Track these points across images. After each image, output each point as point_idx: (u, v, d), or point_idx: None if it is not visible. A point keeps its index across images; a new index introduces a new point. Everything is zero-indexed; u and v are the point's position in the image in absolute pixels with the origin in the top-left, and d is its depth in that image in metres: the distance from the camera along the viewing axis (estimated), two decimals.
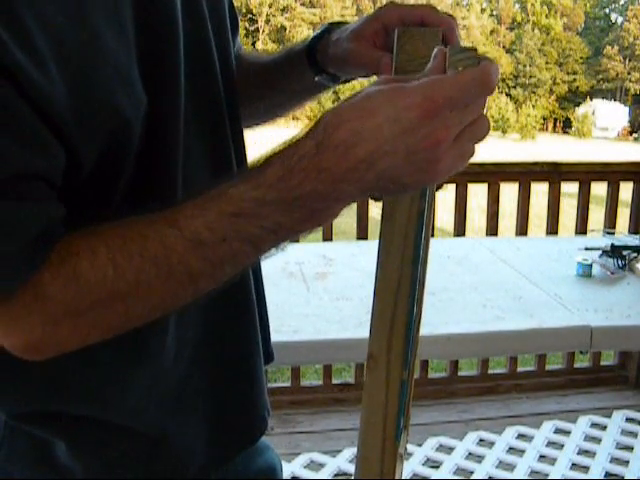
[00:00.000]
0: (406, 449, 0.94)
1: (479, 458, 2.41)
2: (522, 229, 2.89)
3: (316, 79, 0.76)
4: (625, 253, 1.87)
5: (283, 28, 39.89)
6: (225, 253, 0.52)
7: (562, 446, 2.48)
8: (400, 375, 0.54)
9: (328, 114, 0.49)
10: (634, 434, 2.55)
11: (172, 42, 0.61)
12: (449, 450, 2.46)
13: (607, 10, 52.94)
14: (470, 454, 2.44)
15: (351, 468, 2.30)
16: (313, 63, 0.75)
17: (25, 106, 0.47)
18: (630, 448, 2.47)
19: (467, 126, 0.50)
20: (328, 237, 2.71)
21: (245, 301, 0.77)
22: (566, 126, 42.43)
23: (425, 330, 1.42)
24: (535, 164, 3.05)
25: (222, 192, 0.51)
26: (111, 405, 0.67)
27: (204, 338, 0.72)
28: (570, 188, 3.02)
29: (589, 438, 2.54)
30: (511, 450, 2.47)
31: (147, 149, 0.58)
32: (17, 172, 0.48)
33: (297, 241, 0.74)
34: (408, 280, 0.55)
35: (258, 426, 0.81)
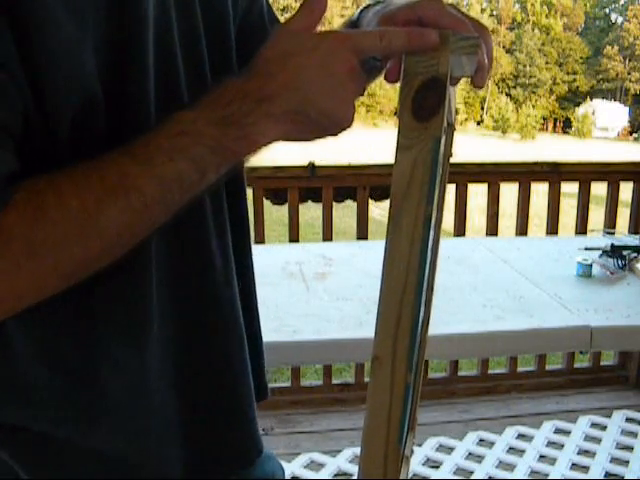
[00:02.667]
0: (412, 451, 0.94)
1: (479, 458, 2.41)
2: (522, 229, 2.89)
3: None
4: (625, 253, 1.87)
5: None
6: (173, 173, 0.55)
7: (562, 446, 2.48)
8: (405, 378, 0.54)
9: (258, 54, 0.56)
10: (634, 434, 2.56)
11: (140, 32, 0.61)
12: (449, 450, 2.46)
13: (607, 10, 52.93)
14: (470, 454, 2.44)
15: (351, 468, 2.30)
16: None
17: None
18: (630, 448, 2.47)
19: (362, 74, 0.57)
20: (328, 237, 2.71)
21: (230, 319, 0.75)
22: (566, 126, 42.45)
23: None
24: (535, 164, 3.05)
25: (169, 118, 0.56)
26: (79, 422, 0.65)
27: (185, 360, 0.70)
28: (570, 188, 3.02)
29: (589, 438, 2.54)
30: (511, 450, 2.47)
31: (117, 131, 0.59)
32: None
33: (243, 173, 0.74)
34: (414, 285, 0.55)
35: (252, 445, 0.78)
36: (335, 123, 0.57)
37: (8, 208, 0.50)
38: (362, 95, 0.60)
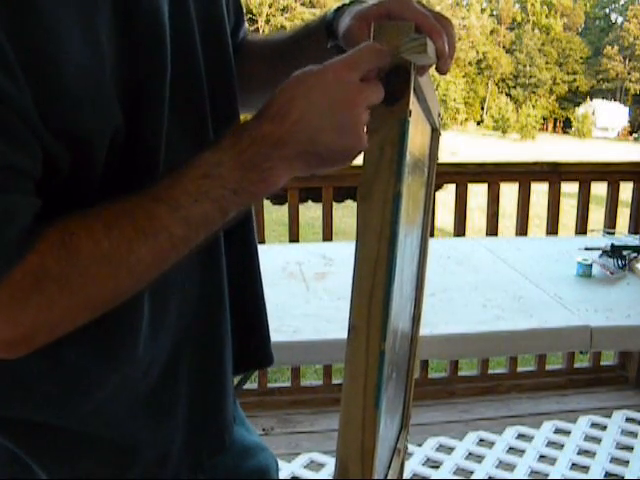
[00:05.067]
0: (406, 448, 0.95)
1: (479, 458, 2.41)
2: (522, 229, 2.89)
3: (329, 46, 0.79)
4: (625, 253, 1.87)
5: (283, 28, 39.89)
6: (198, 215, 0.58)
7: (562, 446, 2.48)
8: (379, 346, 0.57)
9: (268, 99, 0.60)
10: (634, 434, 2.56)
11: (158, 48, 0.63)
12: (449, 450, 2.46)
13: (607, 10, 52.95)
14: (470, 454, 2.44)
15: None
16: (330, 33, 0.79)
17: (3, 109, 0.51)
18: (630, 448, 2.47)
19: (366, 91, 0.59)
20: (328, 237, 2.71)
21: (219, 305, 0.79)
22: (566, 126, 42.47)
23: (425, 330, 1.42)
24: (535, 164, 3.05)
25: (191, 160, 0.59)
26: (78, 412, 0.67)
27: (179, 341, 0.73)
28: (570, 188, 3.02)
29: (589, 438, 2.54)
30: (511, 450, 2.47)
31: (131, 150, 0.63)
32: (2, 165, 0.52)
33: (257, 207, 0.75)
34: (385, 258, 0.58)
35: (228, 431, 0.83)
36: (345, 155, 0.61)
37: (42, 246, 0.54)
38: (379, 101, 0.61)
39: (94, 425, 0.69)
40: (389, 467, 0.77)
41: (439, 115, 0.88)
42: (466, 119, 43.96)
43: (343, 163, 0.62)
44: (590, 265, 1.81)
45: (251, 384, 2.74)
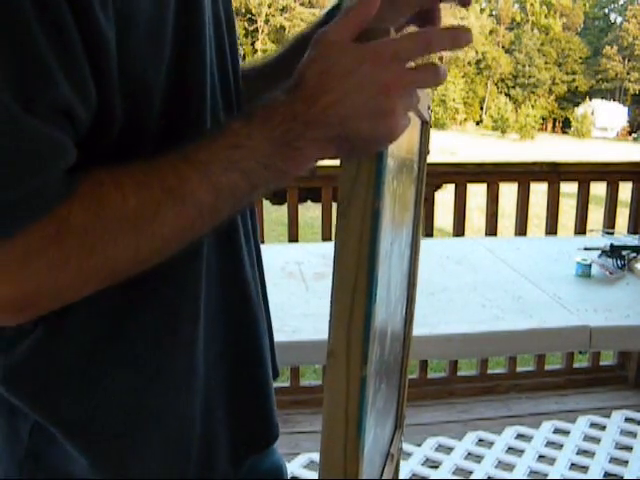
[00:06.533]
0: (401, 449, 0.94)
1: (478, 458, 2.41)
2: (521, 229, 2.90)
3: None
4: (624, 253, 1.87)
5: (282, 28, 39.87)
6: (227, 184, 0.56)
7: (561, 446, 2.48)
8: (361, 371, 0.54)
9: (300, 71, 0.58)
10: (633, 434, 2.56)
11: (201, 33, 0.65)
12: (448, 450, 2.46)
13: (606, 10, 52.97)
14: (469, 454, 2.44)
15: None
16: None
17: (79, 41, 0.51)
18: (629, 448, 2.47)
19: (414, 75, 0.58)
20: (327, 237, 2.71)
21: (260, 307, 0.80)
22: (565, 126, 42.49)
23: (425, 330, 1.42)
24: (534, 164, 3.05)
25: (224, 127, 0.59)
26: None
27: (227, 338, 0.74)
28: (569, 188, 3.02)
29: (588, 438, 2.54)
30: (510, 450, 2.47)
31: (179, 101, 0.63)
32: (54, 99, 0.50)
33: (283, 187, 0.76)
34: (365, 279, 0.55)
35: (274, 432, 0.86)
36: (377, 142, 0.58)
37: (73, 197, 0.51)
38: (432, 85, 0.60)
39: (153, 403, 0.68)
40: (382, 473, 0.77)
41: (429, 108, 0.86)
42: (465, 119, 43.97)
43: (373, 150, 0.59)
44: (589, 265, 1.81)
45: None
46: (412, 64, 0.58)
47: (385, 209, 0.57)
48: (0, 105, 0.47)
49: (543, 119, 42.48)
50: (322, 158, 0.59)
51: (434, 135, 1.04)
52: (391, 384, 0.81)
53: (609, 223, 2.91)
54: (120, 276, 0.56)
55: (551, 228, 2.91)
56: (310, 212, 4.33)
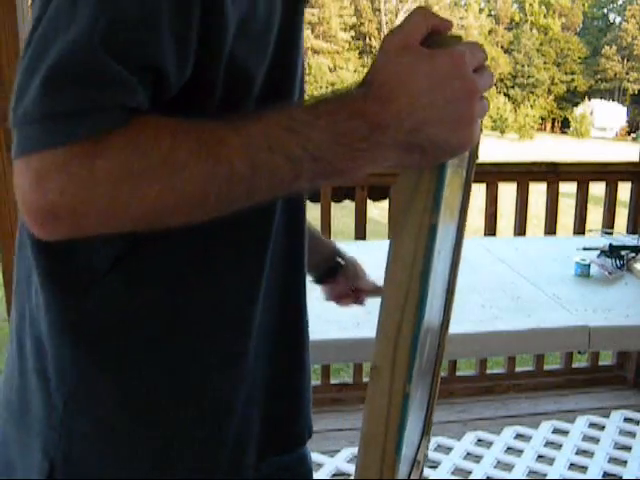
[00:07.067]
0: (426, 456, 0.93)
1: (477, 458, 2.42)
2: (520, 229, 2.89)
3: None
4: (623, 253, 1.87)
5: None
6: (265, 161, 0.54)
7: (560, 446, 2.48)
8: (404, 388, 0.53)
9: (374, 71, 0.56)
10: (632, 434, 2.56)
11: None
12: (447, 450, 2.46)
13: (605, 10, 52.97)
14: (468, 454, 2.44)
15: (349, 468, 2.30)
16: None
17: (197, 11, 0.53)
18: (628, 448, 2.47)
19: (485, 80, 0.57)
20: (326, 237, 2.70)
21: (306, 310, 0.85)
22: (564, 126, 42.47)
23: None
24: (533, 164, 3.05)
25: (282, 108, 0.57)
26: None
27: (268, 335, 0.76)
28: (568, 188, 3.02)
29: (587, 438, 2.54)
30: (509, 450, 2.47)
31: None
32: (150, 65, 0.52)
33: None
34: (416, 295, 0.53)
35: (307, 432, 0.91)
36: (449, 151, 0.56)
37: (121, 130, 0.52)
38: (490, 88, 0.60)
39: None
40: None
41: None
42: None
43: (444, 159, 0.57)
44: (588, 265, 1.81)
45: None
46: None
47: (440, 222, 0.55)
48: (90, 48, 0.50)
49: (542, 119, 42.48)
50: (381, 165, 0.57)
51: None
52: (424, 391, 0.79)
53: (608, 223, 2.91)
54: (139, 223, 0.55)
55: (550, 228, 2.91)
56: (309, 212, 4.32)
